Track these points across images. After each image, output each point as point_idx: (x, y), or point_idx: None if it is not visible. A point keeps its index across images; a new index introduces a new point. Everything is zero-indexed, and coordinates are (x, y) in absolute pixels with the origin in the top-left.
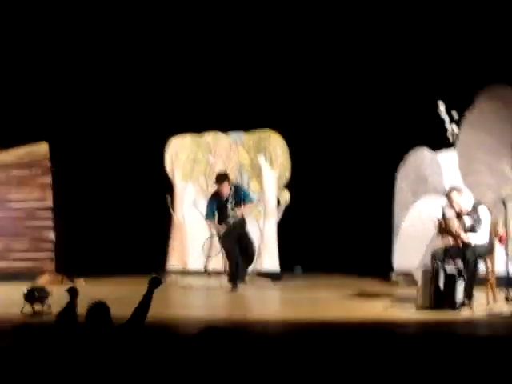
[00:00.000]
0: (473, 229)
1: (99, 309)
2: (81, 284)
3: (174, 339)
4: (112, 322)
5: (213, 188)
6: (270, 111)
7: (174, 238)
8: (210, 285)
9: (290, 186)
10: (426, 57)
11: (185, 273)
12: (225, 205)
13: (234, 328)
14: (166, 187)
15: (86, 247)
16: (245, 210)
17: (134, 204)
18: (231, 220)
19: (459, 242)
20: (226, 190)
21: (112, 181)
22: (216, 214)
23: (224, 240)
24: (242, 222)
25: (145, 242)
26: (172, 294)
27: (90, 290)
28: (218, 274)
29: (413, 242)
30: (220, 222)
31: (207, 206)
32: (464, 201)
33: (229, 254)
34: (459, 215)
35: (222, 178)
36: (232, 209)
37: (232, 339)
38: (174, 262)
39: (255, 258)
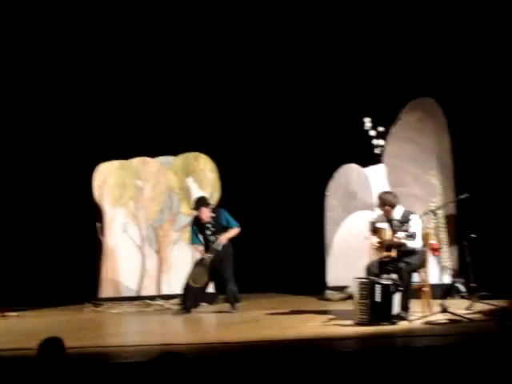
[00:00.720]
0: (406, 239)
1: (53, 343)
2: (13, 317)
3: (119, 367)
4: (65, 355)
5: (142, 213)
6: (198, 134)
7: (106, 264)
8: (144, 310)
9: (221, 206)
10: (352, 75)
11: (118, 299)
12: (203, 230)
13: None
14: (94, 214)
15: (16, 280)
16: (227, 236)
17: (64, 233)
18: (218, 246)
19: (392, 253)
20: (204, 215)
21: (40, 210)
22: (201, 238)
23: (196, 263)
24: (226, 248)
25: (76, 271)
26: (107, 321)
27: (24, 323)
28: (151, 298)
29: (345, 257)
30: (206, 248)
31: (190, 231)
32: (395, 211)
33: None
34: (391, 226)
35: (197, 203)
36: (213, 234)
37: (185, 363)
38: (106, 289)
39: (228, 285)
